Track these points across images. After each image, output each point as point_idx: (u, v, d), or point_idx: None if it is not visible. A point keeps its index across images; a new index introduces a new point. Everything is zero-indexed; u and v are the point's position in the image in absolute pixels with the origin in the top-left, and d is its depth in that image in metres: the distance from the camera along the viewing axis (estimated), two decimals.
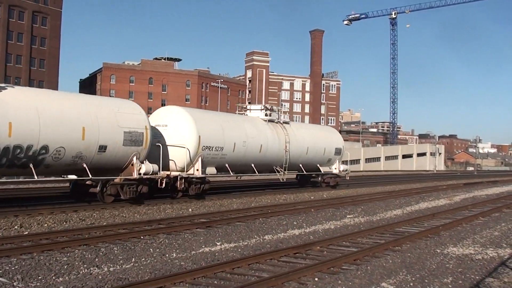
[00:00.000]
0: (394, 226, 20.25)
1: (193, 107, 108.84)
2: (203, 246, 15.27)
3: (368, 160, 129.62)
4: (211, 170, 28.22)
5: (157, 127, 26.62)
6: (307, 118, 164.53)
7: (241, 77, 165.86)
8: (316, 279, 11.56)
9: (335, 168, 40.56)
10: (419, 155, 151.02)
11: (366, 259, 13.77)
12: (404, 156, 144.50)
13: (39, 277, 11.18)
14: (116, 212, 21.57)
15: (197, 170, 26.92)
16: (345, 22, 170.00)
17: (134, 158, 23.40)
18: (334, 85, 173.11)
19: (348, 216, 23.79)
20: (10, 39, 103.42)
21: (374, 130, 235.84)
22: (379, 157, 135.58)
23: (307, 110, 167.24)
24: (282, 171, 34.05)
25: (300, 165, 36.30)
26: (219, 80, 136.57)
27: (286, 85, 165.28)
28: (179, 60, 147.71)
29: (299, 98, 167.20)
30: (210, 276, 11.48)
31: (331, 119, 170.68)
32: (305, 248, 14.99)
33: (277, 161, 33.68)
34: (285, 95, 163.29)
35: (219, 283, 11.06)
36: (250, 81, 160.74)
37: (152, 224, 19.08)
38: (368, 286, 11.12)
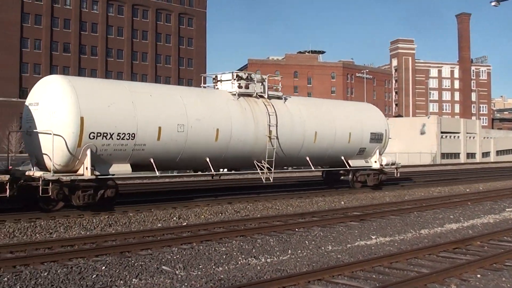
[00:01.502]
0: None
1: (333, 98, 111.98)
2: (358, 240, 15.09)
3: None
4: (122, 168, 19.24)
5: (29, 107, 19.01)
6: (457, 106, 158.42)
7: (386, 66, 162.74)
8: (479, 275, 11.00)
9: (375, 162, 28.94)
10: None
11: None
12: None
13: (200, 266, 11.58)
14: (269, 205, 21.82)
15: (87, 168, 18.06)
16: (493, 3, 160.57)
17: None
18: (484, 70, 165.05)
19: (507, 209, 22.51)
20: (158, 40, 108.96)
21: None
22: None
23: (456, 98, 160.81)
24: (265, 166, 23.66)
25: (307, 158, 25.61)
26: (364, 71, 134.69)
27: (433, 72, 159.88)
28: (322, 52, 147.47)
29: (448, 86, 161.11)
30: (368, 270, 11.29)
31: (482, 106, 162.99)
32: (465, 243, 14.33)
33: (257, 154, 23.46)
34: (433, 83, 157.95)
35: (377, 277, 10.84)
36: (395, 70, 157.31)
37: (306, 216, 19.15)
38: None
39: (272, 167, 23.62)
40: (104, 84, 20.90)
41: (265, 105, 23.80)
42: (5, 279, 10.27)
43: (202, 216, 18.91)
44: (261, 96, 24.19)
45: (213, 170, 21.71)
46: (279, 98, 25.15)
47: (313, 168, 26.62)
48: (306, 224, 17.33)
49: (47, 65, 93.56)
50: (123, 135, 18.74)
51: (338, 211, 20.83)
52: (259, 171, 23.65)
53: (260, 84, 24.26)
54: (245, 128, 22.72)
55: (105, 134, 18.35)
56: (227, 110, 22.37)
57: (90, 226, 16.38)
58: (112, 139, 18.56)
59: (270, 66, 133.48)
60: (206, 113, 21.51)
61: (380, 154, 29.22)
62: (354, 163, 28.06)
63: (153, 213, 18.53)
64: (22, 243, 13.84)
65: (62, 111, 17.95)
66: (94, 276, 10.65)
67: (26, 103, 19.24)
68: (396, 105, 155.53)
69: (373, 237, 15.53)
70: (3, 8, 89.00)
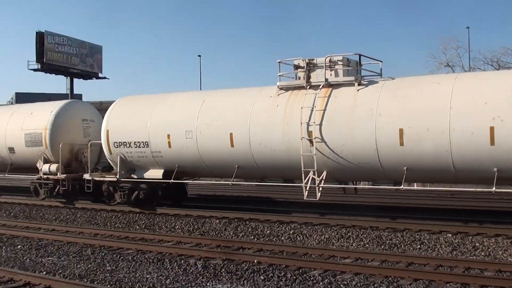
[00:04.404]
0: None
1: None
2: None
3: None
4: None
5: None
6: None
7: None
8: None
9: None
10: None
11: None
12: None
13: None
14: None
15: None
16: None
17: None
18: None
19: None
20: None
21: None
22: None
23: None
24: (315, 179, 16.66)
25: (405, 169, 15.47)
26: None
27: None
28: None
29: None
30: None
31: None
32: None
33: (297, 162, 16.90)
34: None
35: None
36: None
37: None
38: None
39: (321, 182, 16.66)
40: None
41: (315, 97, 16.69)
42: None
43: None
44: (316, 87, 17.02)
45: (232, 180, 18.60)
46: (348, 84, 16.72)
47: (402, 186, 15.65)
48: None
49: None
50: None
51: None
52: (303, 184, 16.82)
53: (322, 70, 17.08)
54: (270, 131, 17.38)
55: None
56: (248, 110, 17.98)
57: None
58: None
59: None
60: (218, 116, 18.49)
61: None
62: None
63: None
64: None
65: None
66: None
67: None
68: None
69: None
70: None
